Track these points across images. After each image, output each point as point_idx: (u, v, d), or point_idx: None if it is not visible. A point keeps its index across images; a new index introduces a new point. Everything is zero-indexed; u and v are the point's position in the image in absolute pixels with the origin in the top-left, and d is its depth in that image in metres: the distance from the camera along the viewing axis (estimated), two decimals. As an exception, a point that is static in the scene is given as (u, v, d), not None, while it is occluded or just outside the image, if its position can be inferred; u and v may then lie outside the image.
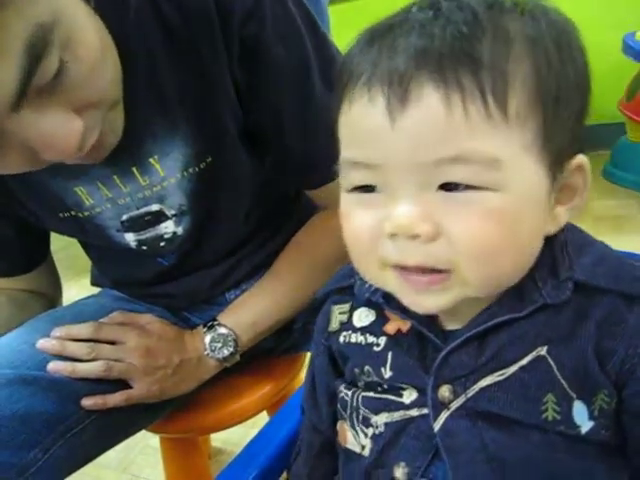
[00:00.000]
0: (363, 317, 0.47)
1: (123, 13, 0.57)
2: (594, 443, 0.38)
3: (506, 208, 0.35)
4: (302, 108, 0.64)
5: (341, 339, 0.48)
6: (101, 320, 0.71)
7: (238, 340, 0.72)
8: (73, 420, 0.64)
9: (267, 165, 0.70)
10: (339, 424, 0.48)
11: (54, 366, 0.65)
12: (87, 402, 0.65)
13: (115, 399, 0.66)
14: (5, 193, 0.68)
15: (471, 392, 0.39)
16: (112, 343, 0.68)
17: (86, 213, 0.68)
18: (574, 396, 0.37)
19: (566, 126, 0.37)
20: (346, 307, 0.49)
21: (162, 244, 0.71)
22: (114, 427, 0.70)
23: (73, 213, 0.68)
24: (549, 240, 0.40)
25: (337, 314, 0.49)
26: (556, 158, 0.36)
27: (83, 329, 0.68)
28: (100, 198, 0.67)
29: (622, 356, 0.37)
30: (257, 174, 0.70)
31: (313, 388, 0.53)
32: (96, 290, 0.88)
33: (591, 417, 0.37)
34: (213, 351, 0.71)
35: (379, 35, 0.37)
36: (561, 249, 0.40)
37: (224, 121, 0.64)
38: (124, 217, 0.68)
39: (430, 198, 0.35)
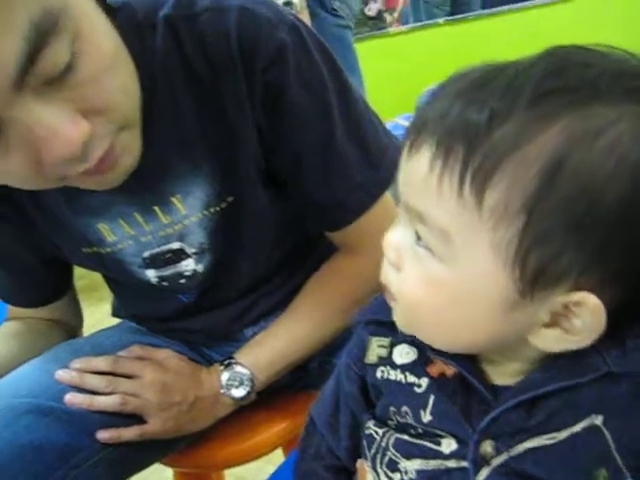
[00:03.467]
0: (404, 354, 0.46)
1: (150, 56, 0.59)
2: None
3: (448, 283, 0.36)
4: (322, 153, 0.65)
5: (378, 374, 0.47)
6: (119, 353, 0.72)
7: (255, 379, 0.71)
8: (87, 452, 0.65)
9: (288, 207, 0.71)
10: (359, 462, 0.47)
11: (72, 398, 0.65)
12: (102, 435, 0.66)
13: (130, 433, 0.67)
14: (31, 227, 0.70)
15: (515, 451, 0.38)
16: (129, 377, 0.69)
17: (108, 249, 0.69)
18: (627, 475, 0.35)
19: (570, 246, 0.33)
20: (386, 341, 0.47)
21: (182, 281, 0.72)
22: (128, 460, 0.71)
23: (95, 249, 0.69)
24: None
25: (375, 347, 0.48)
26: (537, 276, 0.34)
27: (101, 362, 0.69)
28: (122, 235, 0.68)
29: None
30: (279, 215, 0.71)
31: (334, 414, 0.52)
32: (115, 320, 0.89)
33: None
34: (229, 390, 0.71)
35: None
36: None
37: (245, 163, 0.65)
38: (145, 254, 0.69)
39: (408, 236, 0.39)
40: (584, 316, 0.34)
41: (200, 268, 0.71)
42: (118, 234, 0.68)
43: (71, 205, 0.65)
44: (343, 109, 0.65)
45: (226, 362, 0.72)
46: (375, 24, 3.34)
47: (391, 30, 3.24)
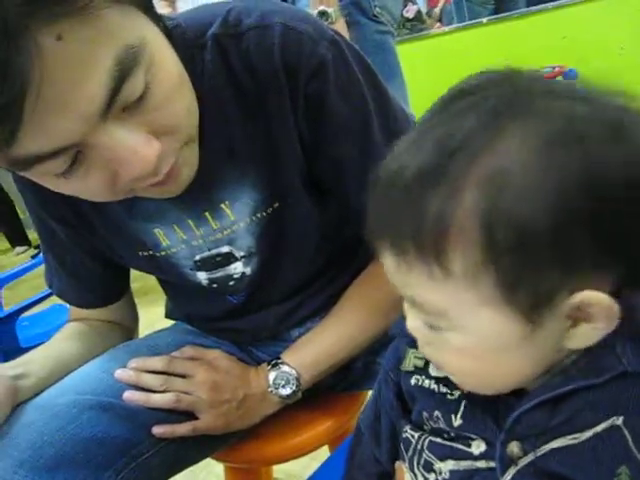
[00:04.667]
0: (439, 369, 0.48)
1: (200, 73, 0.63)
2: None
3: (470, 346, 0.38)
4: (361, 160, 0.67)
5: (412, 381, 0.49)
6: (173, 354, 0.76)
7: (300, 379, 0.74)
8: (144, 446, 0.69)
9: (330, 212, 0.74)
10: (397, 464, 0.49)
11: (130, 395, 0.70)
12: (157, 430, 0.70)
13: (183, 429, 0.71)
14: (90, 231, 0.74)
15: (541, 451, 0.39)
16: (182, 376, 0.73)
17: (162, 253, 0.73)
18: None
19: (543, 270, 0.34)
20: (422, 355, 0.49)
21: (231, 283, 0.75)
22: (180, 454, 0.74)
23: (151, 252, 0.74)
24: (629, 306, 0.38)
25: (412, 357, 0.50)
26: (532, 303, 0.35)
27: (157, 362, 0.73)
28: (176, 239, 0.72)
29: None
30: (321, 220, 0.73)
31: (376, 419, 0.54)
32: (166, 321, 0.93)
33: None
34: (276, 388, 0.74)
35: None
36: None
37: (289, 171, 0.68)
38: (197, 257, 0.73)
39: (417, 318, 0.42)
40: (594, 306, 0.36)
41: (248, 271, 0.74)
42: (172, 239, 0.72)
43: (129, 211, 0.70)
44: (382, 119, 0.68)
45: (273, 362, 0.75)
46: (414, 26, 3.32)
47: (432, 31, 3.22)
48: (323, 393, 0.85)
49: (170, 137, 0.54)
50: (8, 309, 1.76)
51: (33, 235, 4.16)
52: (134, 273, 0.84)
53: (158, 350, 0.77)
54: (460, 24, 3.06)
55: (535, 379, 0.41)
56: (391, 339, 0.54)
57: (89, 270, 0.81)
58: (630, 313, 0.38)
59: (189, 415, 0.72)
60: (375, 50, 1.54)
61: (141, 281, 0.89)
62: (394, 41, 1.69)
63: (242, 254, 0.73)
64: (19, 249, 4.35)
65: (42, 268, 0.87)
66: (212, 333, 0.85)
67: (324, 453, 0.90)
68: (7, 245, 4.49)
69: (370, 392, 0.59)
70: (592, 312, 0.36)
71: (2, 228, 4.40)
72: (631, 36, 2.44)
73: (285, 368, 0.74)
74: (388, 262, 0.39)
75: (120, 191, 0.55)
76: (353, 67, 0.65)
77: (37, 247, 4.05)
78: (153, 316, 1.36)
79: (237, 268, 0.74)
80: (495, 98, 0.36)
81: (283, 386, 0.74)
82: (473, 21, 2.98)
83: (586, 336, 0.37)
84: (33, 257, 3.77)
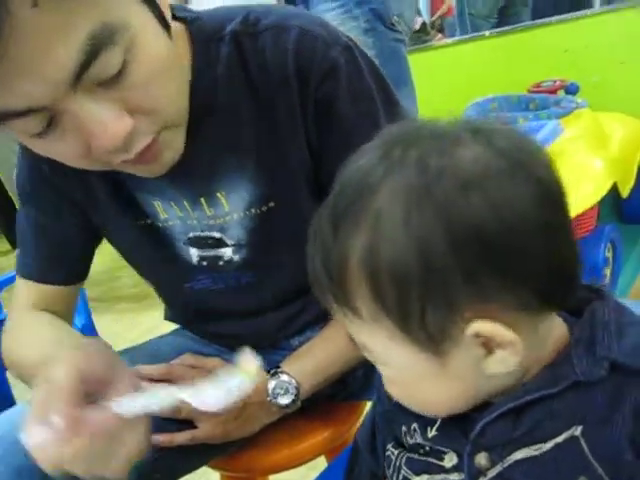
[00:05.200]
0: None
1: (214, 64, 0.65)
2: None
3: (395, 377, 0.44)
4: None
5: None
6: (173, 362, 0.77)
7: (300, 388, 0.74)
8: None
9: None
10: None
11: None
12: (156, 438, 0.69)
13: (181, 438, 0.71)
14: (95, 206, 0.75)
15: (507, 462, 0.40)
16: None
17: (160, 224, 0.75)
18: None
19: (427, 307, 0.37)
20: None
21: (220, 263, 0.76)
22: (179, 463, 0.75)
23: (149, 222, 0.75)
24: (591, 316, 0.41)
25: None
26: (429, 338, 0.38)
27: (156, 369, 0.73)
28: (173, 214, 0.73)
29: None
30: None
31: (372, 434, 0.54)
32: (167, 324, 0.93)
33: None
34: (275, 397, 0.74)
35: None
36: (602, 328, 0.40)
37: (293, 172, 0.69)
38: (190, 234, 0.75)
39: None
40: (492, 335, 0.37)
41: (237, 258, 0.75)
42: (169, 212, 0.73)
43: (132, 182, 0.71)
44: (391, 122, 0.68)
45: (272, 371, 0.75)
46: (419, 37, 3.34)
47: (434, 43, 3.24)
48: (322, 403, 0.86)
49: (146, 117, 0.55)
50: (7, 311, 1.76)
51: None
52: (133, 278, 0.84)
53: (159, 357, 0.77)
54: (462, 36, 3.08)
55: (501, 393, 0.42)
56: None
57: (69, 244, 0.78)
58: (589, 320, 0.40)
59: (188, 424, 0.72)
60: (390, 57, 1.57)
61: (139, 286, 0.89)
62: (406, 51, 1.71)
63: (232, 242, 0.74)
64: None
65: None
66: (211, 339, 0.85)
67: (322, 463, 0.90)
68: (7, 247, 4.49)
69: (369, 403, 0.59)
70: (496, 340, 0.37)
71: (3, 230, 4.40)
72: (632, 51, 2.46)
73: (284, 377, 0.74)
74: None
75: (96, 161, 0.57)
76: (365, 73, 0.67)
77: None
78: (151, 320, 1.37)
79: (226, 253, 0.75)
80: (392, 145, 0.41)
81: (282, 395, 0.74)
82: (475, 34, 3.00)
83: (504, 362, 0.39)
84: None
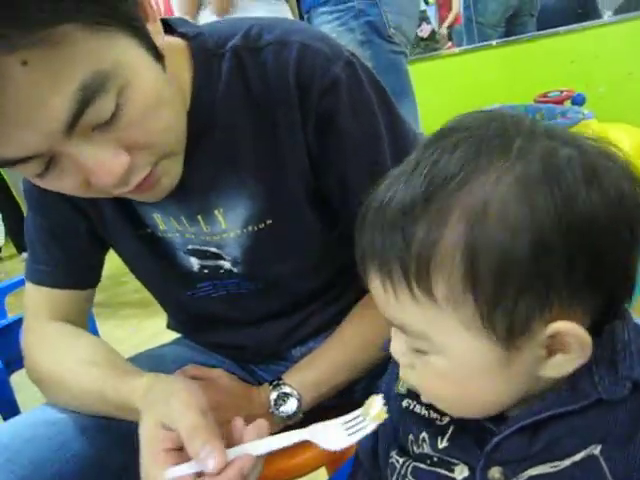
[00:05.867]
0: None
1: (215, 80, 0.65)
2: None
3: (446, 369, 0.40)
4: (369, 179, 0.68)
5: (404, 404, 0.50)
6: (175, 373, 0.76)
7: (302, 400, 0.74)
8: (139, 470, 0.69)
9: (336, 228, 0.74)
10: None
11: None
12: None
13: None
14: (102, 221, 0.76)
15: (521, 478, 0.40)
16: None
17: (160, 235, 0.75)
18: None
19: (520, 299, 0.37)
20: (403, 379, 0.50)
21: (221, 271, 0.76)
22: None
23: (149, 231, 0.75)
24: (611, 336, 0.41)
25: None
26: (509, 330, 0.37)
27: None
28: (171, 227, 0.73)
29: None
30: (326, 235, 0.74)
31: (375, 441, 0.54)
32: (171, 333, 0.93)
33: None
34: (277, 409, 0.74)
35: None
36: (623, 347, 0.40)
37: (292, 187, 0.68)
38: (189, 247, 0.75)
39: (403, 342, 0.43)
40: (568, 337, 0.37)
41: (236, 270, 0.75)
42: (168, 225, 0.73)
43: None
44: (392, 140, 0.68)
45: (275, 382, 0.75)
46: (427, 45, 3.35)
47: (442, 52, 3.25)
48: (324, 414, 0.85)
49: (144, 151, 0.56)
50: (12, 316, 1.76)
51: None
52: (135, 286, 0.84)
53: (162, 367, 0.77)
54: (470, 46, 3.09)
55: (515, 405, 0.42)
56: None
57: (78, 249, 0.79)
58: (610, 339, 0.40)
59: None
60: (388, 69, 1.57)
61: (144, 292, 0.89)
62: (407, 61, 1.71)
63: (229, 258, 0.74)
64: (26, 255, 4.35)
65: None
66: (213, 349, 0.85)
67: (322, 475, 0.89)
68: (13, 251, 4.51)
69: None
70: (566, 343, 0.38)
71: (10, 234, 4.42)
72: (639, 61, 2.46)
73: (286, 389, 0.74)
74: (375, 286, 0.42)
75: (96, 192, 0.58)
76: (366, 88, 0.67)
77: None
78: (155, 327, 1.37)
79: (225, 265, 0.75)
80: (479, 137, 0.39)
81: (284, 406, 0.74)
82: (483, 43, 3.01)
83: (561, 366, 0.39)
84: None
